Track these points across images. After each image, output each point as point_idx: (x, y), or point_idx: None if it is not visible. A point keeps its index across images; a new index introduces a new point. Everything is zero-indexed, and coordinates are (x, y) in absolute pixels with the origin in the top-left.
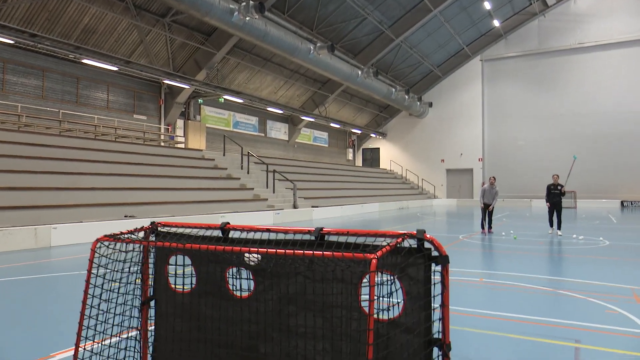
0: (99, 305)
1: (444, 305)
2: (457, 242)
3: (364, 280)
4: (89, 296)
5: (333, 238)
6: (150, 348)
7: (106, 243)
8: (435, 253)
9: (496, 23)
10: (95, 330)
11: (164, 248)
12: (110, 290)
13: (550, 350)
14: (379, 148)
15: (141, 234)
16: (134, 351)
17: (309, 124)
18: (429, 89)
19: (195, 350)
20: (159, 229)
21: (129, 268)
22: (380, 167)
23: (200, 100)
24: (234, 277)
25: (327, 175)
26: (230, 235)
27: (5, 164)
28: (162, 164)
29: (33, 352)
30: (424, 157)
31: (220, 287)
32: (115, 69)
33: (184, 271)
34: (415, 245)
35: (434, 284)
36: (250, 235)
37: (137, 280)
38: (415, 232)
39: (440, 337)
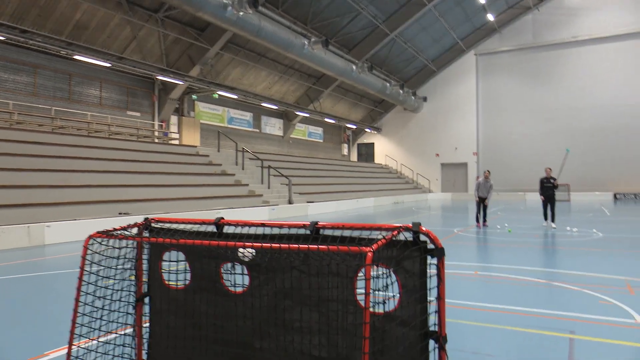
0: (92, 302)
1: (440, 298)
2: (452, 235)
3: (360, 273)
4: (82, 293)
5: (328, 232)
6: (145, 345)
7: (99, 239)
8: (430, 246)
9: (490, 17)
10: (89, 327)
11: (157, 244)
12: (104, 287)
13: (545, 341)
14: (373, 143)
15: (134, 230)
16: (129, 348)
17: (304, 120)
18: (423, 84)
19: (191, 347)
20: (152, 225)
21: (123, 265)
22: (375, 162)
23: (194, 96)
24: (229, 272)
25: (322, 171)
26: (224, 231)
27: None
28: (156, 160)
29: (27, 351)
30: (419, 151)
31: (215, 283)
32: (108, 65)
33: (178, 267)
34: (411, 238)
35: (430, 276)
36: (245, 230)
37: (131, 277)
38: (410, 225)
39: (436, 329)
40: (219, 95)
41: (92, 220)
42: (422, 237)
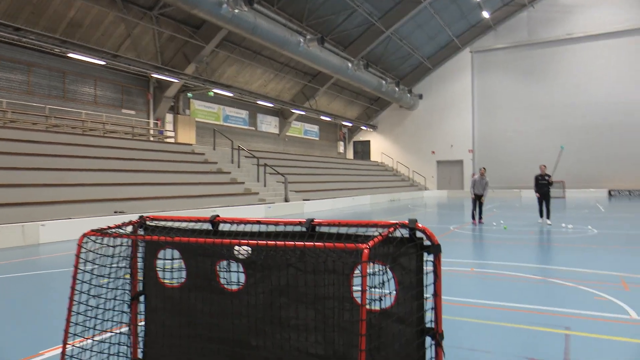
0: (87, 301)
1: (437, 295)
2: (448, 232)
3: (356, 271)
4: (76, 292)
5: (324, 229)
6: (141, 343)
7: (93, 238)
8: (427, 242)
9: (485, 14)
10: (84, 326)
11: (152, 242)
12: (98, 286)
13: (541, 337)
14: (369, 140)
15: (129, 228)
16: (125, 347)
17: (300, 117)
18: (419, 81)
19: (187, 345)
20: (147, 222)
21: (117, 263)
22: (371, 159)
23: (189, 94)
24: (225, 270)
25: (318, 169)
26: (220, 228)
27: None
28: (152, 158)
29: (22, 351)
30: (415, 149)
31: (211, 281)
32: (102, 63)
33: (173, 265)
34: (407, 235)
35: (426, 273)
36: (240, 228)
37: (125, 275)
38: (407, 221)
39: (432, 326)
40: (215, 93)
41: (87, 219)
42: (419, 234)
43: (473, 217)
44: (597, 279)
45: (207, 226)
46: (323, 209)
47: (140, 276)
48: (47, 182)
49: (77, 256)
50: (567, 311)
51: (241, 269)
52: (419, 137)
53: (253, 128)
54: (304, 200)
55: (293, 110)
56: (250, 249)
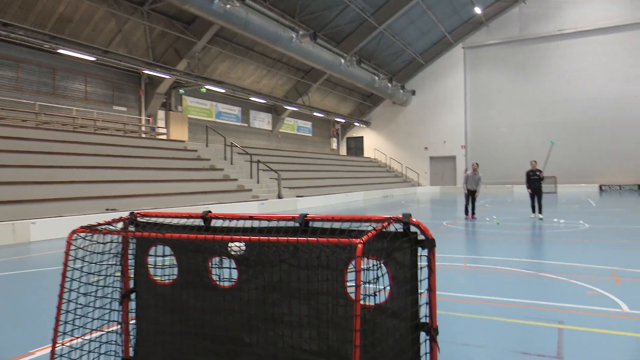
0: (77, 299)
1: (431, 290)
2: (441, 228)
3: (350, 266)
4: (65, 290)
5: (318, 224)
6: (133, 341)
7: (83, 234)
8: (421, 237)
9: (478, 10)
10: (74, 325)
11: (143, 238)
12: (89, 284)
13: (535, 331)
14: (362, 137)
15: (120, 225)
16: (116, 345)
17: (293, 114)
18: (412, 77)
19: (179, 343)
20: (138, 219)
21: (108, 260)
22: (365, 155)
23: (181, 91)
24: (217, 266)
25: (311, 165)
26: (212, 224)
27: None
28: (144, 155)
29: (12, 350)
30: (408, 145)
31: (203, 277)
32: (92, 59)
33: (164, 262)
34: (401, 230)
35: (421, 268)
36: (233, 224)
37: (116, 272)
38: (401, 216)
39: (427, 321)
40: (207, 89)
41: (78, 216)
42: (413, 229)
43: (466, 213)
44: (589, 273)
45: (199, 222)
46: (316, 205)
47: (131, 273)
48: (38, 179)
49: (67, 253)
50: (560, 305)
51: (234, 265)
52: (412, 133)
53: (246, 124)
54: (297, 196)
55: (286, 107)
56: (243, 245)
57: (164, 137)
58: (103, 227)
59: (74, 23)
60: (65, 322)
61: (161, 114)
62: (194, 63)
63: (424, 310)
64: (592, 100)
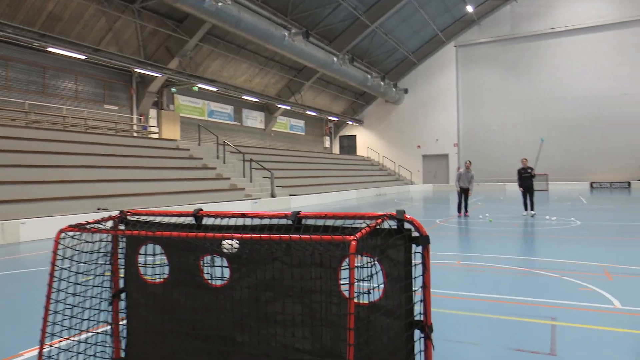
0: (65, 299)
1: (425, 287)
2: (434, 226)
3: (343, 263)
4: (54, 290)
5: (310, 222)
6: (123, 342)
7: (71, 233)
8: (415, 234)
9: (469, 8)
10: (62, 325)
11: (133, 237)
12: (78, 284)
13: (528, 328)
14: (355, 135)
15: (109, 224)
16: (106, 346)
17: (286, 112)
18: (404, 75)
19: (170, 343)
20: (128, 217)
21: (97, 259)
22: (357, 154)
23: (173, 89)
24: (209, 265)
25: (304, 164)
26: (203, 222)
27: None
28: (136, 154)
29: (1, 351)
30: (401, 143)
31: (194, 276)
32: (83, 57)
33: (155, 261)
34: (395, 227)
35: (415, 265)
36: (225, 222)
37: (106, 272)
38: (394, 212)
39: (421, 319)
40: (199, 88)
41: (69, 216)
42: (407, 226)
43: (459, 210)
44: (581, 269)
45: (191, 221)
46: (310, 203)
47: (121, 273)
48: (28, 179)
49: (55, 253)
50: (553, 302)
51: (225, 264)
52: (404, 132)
53: (238, 123)
54: (290, 195)
55: (279, 105)
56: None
57: (156, 136)
58: (92, 225)
59: (64, 21)
60: (54, 323)
61: (153, 112)
62: (186, 61)
63: (418, 308)
64: (583, 98)
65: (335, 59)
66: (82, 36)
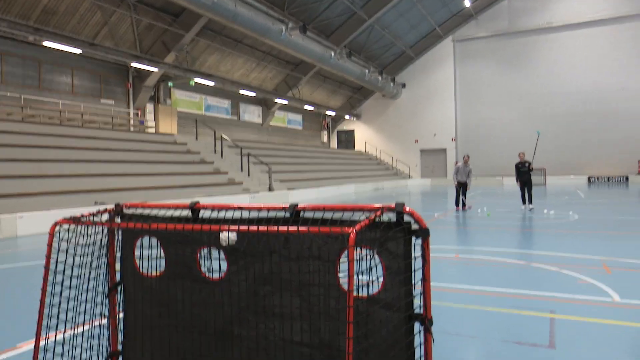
0: (60, 293)
1: (425, 280)
2: (432, 220)
3: (342, 256)
4: (49, 284)
5: (309, 214)
6: (120, 336)
7: (66, 226)
8: (415, 226)
9: (467, 3)
10: (58, 319)
11: (129, 230)
12: (74, 277)
13: (527, 321)
14: (353, 130)
15: (105, 217)
16: (103, 340)
17: (283, 107)
18: (402, 70)
19: (167, 336)
20: (124, 210)
21: (93, 253)
22: (355, 148)
23: (170, 84)
24: (206, 258)
25: (302, 158)
26: (200, 215)
27: None
28: (133, 149)
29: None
30: (398, 138)
31: (192, 270)
32: (79, 51)
33: (152, 254)
34: (395, 219)
35: (414, 258)
36: (222, 215)
37: (102, 265)
38: (393, 205)
39: (421, 312)
40: (196, 82)
41: (66, 210)
42: (406, 218)
43: (457, 204)
44: (580, 263)
45: (187, 213)
46: (308, 198)
47: (117, 266)
48: (25, 173)
49: (49, 246)
50: (552, 295)
51: (223, 257)
52: (402, 126)
53: (236, 118)
54: (288, 189)
55: (276, 100)
56: (235, 234)
57: (153, 130)
58: (87, 218)
59: (59, 15)
60: (50, 317)
61: (150, 107)
62: (183, 56)
63: (417, 301)
64: (580, 93)
65: (332, 53)
66: (77, 30)
